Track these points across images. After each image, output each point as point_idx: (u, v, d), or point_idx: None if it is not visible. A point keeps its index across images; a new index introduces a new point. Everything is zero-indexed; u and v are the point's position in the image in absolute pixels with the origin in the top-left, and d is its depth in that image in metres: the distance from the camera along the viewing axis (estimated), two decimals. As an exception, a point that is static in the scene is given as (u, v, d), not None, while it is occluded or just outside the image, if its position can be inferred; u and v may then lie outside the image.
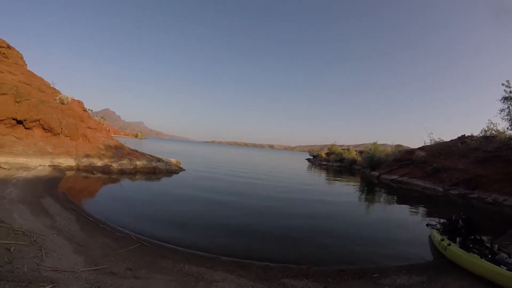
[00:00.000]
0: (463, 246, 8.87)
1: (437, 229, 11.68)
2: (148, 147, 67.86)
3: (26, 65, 26.83)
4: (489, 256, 7.86)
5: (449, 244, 9.43)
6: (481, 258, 7.88)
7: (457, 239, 9.34)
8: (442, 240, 10.09)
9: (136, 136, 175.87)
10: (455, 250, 8.95)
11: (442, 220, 11.85)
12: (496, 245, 8.41)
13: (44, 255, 6.35)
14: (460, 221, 9.72)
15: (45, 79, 27.11)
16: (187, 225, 11.43)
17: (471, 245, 8.70)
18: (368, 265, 8.78)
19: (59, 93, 26.27)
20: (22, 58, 26.79)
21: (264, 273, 7.48)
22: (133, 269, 6.58)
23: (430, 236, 12.27)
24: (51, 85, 27.06)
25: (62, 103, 25.01)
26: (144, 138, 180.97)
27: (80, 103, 27.73)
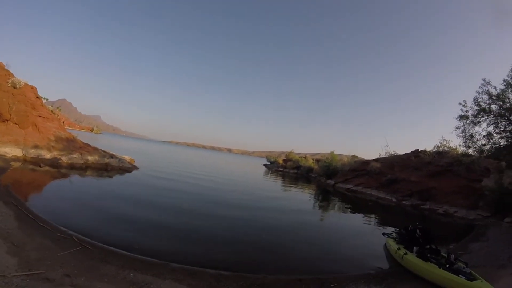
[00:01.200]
0: (420, 255, 9.08)
1: (393, 238, 12.03)
2: (103, 142, 65.30)
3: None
4: (447, 265, 8.16)
5: (405, 253, 9.65)
6: (439, 267, 8.12)
7: (414, 248, 9.54)
8: (399, 249, 10.31)
9: (92, 130, 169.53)
10: (412, 259, 9.15)
11: (398, 230, 12.15)
12: (453, 255, 8.78)
13: (-30, 256, 5.75)
14: (417, 231, 10.04)
15: (-1, 60, 25.32)
16: (136, 228, 10.80)
17: (428, 255, 8.96)
18: (326, 275, 8.69)
19: (13, 76, 24.52)
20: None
21: (216, 282, 7.19)
22: (71, 276, 6.04)
23: (385, 244, 12.53)
24: (5, 67, 25.28)
25: (14, 87, 23.34)
26: (100, 133, 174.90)
27: (33, 88, 26.00)
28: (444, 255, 9.17)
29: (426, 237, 9.93)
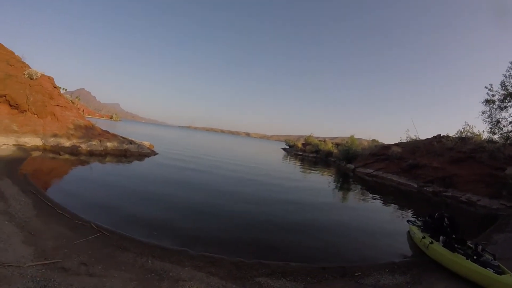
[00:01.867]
0: (447, 245, 8.58)
1: (418, 226, 11.42)
2: (122, 129, 66.09)
3: (-6, 36, 25.20)
4: (475, 257, 7.63)
5: (431, 242, 9.18)
6: (467, 259, 7.65)
7: (441, 237, 9.07)
8: (424, 237, 9.83)
9: (111, 118, 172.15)
10: (438, 249, 8.68)
11: (422, 217, 11.50)
12: (480, 246, 8.19)
13: (-14, 245, 5.62)
14: (445, 219, 9.48)
15: (16, 53, 25.52)
16: (155, 214, 10.63)
17: (455, 245, 8.44)
18: (350, 263, 8.34)
19: (29, 67, 24.70)
20: (-11, 28, 25.13)
21: (237, 270, 6.92)
22: (88, 264, 5.86)
23: (409, 232, 12.02)
24: (22, 59, 25.48)
25: (31, 78, 23.49)
26: (119, 120, 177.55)
27: (50, 79, 26.18)
28: (471, 245, 8.63)
29: (453, 226, 9.41)
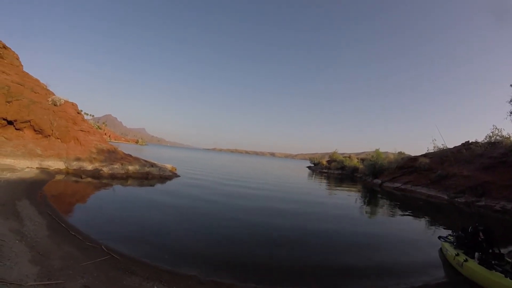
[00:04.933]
0: (483, 262, 7.86)
1: (450, 242, 10.60)
2: (147, 153, 67.16)
3: (22, 66, 26.33)
4: None
5: (465, 260, 8.45)
6: (506, 276, 6.88)
7: (476, 254, 8.31)
8: (457, 254, 9.08)
9: (137, 142, 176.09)
10: (474, 267, 7.97)
11: (455, 232, 10.71)
12: None
13: (-6, 263, 5.48)
14: (480, 233, 8.71)
15: (41, 81, 26.66)
16: (169, 238, 10.33)
17: (492, 261, 7.71)
18: (378, 285, 7.77)
19: (53, 94, 25.64)
20: (18, 59, 26.32)
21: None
22: (91, 287, 5.61)
23: (441, 249, 11.24)
24: (46, 87, 26.51)
25: (55, 105, 24.35)
26: (145, 145, 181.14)
27: (74, 105, 27.06)
28: (510, 260, 7.86)
29: (489, 240, 8.57)
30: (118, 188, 19.16)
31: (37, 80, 25.88)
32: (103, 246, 8.12)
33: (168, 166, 30.48)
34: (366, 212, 21.07)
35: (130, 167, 24.59)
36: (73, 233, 8.89)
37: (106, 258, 7.37)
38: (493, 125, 33.69)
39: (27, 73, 25.66)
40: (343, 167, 68.19)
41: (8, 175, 16.10)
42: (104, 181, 20.67)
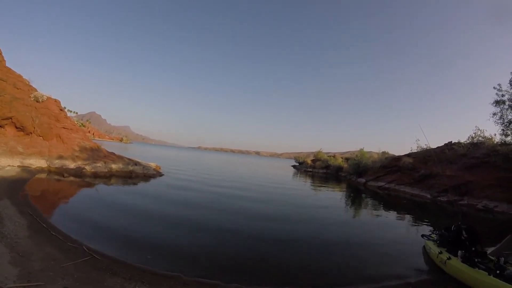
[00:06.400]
0: (466, 260, 8.04)
1: (434, 240, 10.82)
2: (132, 151, 66.53)
3: (4, 61, 25.72)
4: (497, 271, 7.03)
5: (449, 258, 8.62)
6: (489, 274, 7.04)
7: (459, 252, 8.47)
8: (440, 253, 9.27)
9: (121, 140, 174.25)
10: (457, 265, 8.15)
11: (438, 230, 10.90)
12: (503, 258, 7.56)
13: (-29, 265, 5.44)
14: (463, 232, 8.83)
15: (24, 77, 26.13)
16: (152, 237, 10.28)
17: (475, 259, 7.89)
18: (358, 285, 7.80)
19: (36, 90, 25.15)
20: (0, 53, 25.72)
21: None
22: (72, 289, 5.63)
23: (424, 247, 11.44)
24: (29, 83, 26.00)
25: (37, 101, 23.89)
26: (130, 143, 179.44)
27: (56, 102, 26.59)
28: (492, 258, 8.07)
29: (472, 238, 8.71)
30: (101, 187, 18.94)
31: (19, 76, 25.33)
32: (84, 247, 8.07)
33: (152, 164, 30.28)
34: (350, 211, 21.39)
35: (114, 166, 24.37)
36: (54, 234, 8.80)
37: (87, 258, 7.34)
38: (476, 126, 34.53)
39: (10, 69, 25.08)
40: (327, 166, 68.62)
41: (-12, 174, 15.85)
42: (87, 179, 20.42)
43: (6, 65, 25.26)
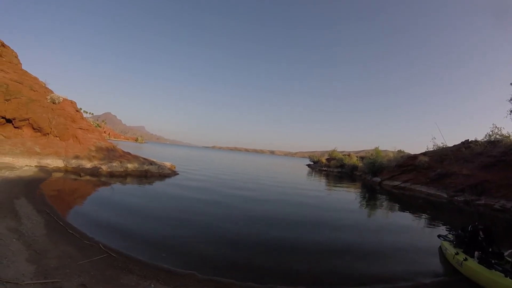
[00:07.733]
0: (482, 261, 7.79)
1: (450, 241, 10.51)
2: (147, 151, 67.17)
3: (20, 64, 26.26)
4: None
5: (465, 259, 8.37)
6: (506, 276, 6.81)
7: (476, 253, 8.24)
8: (457, 253, 9.00)
9: (136, 140, 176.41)
10: (473, 267, 7.90)
11: (454, 231, 10.63)
12: None
13: (-10, 262, 5.47)
14: (480, 232, 8.63)
15: (40, 79, 26.64)
16: (168, 235, 10.27)
17: (492, 260, 7.65)
18: (373, 286, 7.65)
19: (52, 92, 25.59)
20: (16, 57, 26.24)
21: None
22: (88, 286, 5.57)
23: (440, 248, 11.17)
24: (45, 85, 26.48)
25: (54, 103, 24.33)
26: (144, 142, 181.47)
27: (72, 103, 27.04)
28: (510, 259, 7.83)
29: (489, 239, 8.49)
30: (116, 186, 19.11)
31: (35, 78, 25.84)
32: (100, 245, 8.11)
33: (167, 164, 30.46)
34: (365, 210, 21.07)
35: (129, 165, 24.58)
36: (70, 232, 8.88)
37: (103, 256, 7.36)
38: (493, 124, 33.72)
39: (26, 71, 25.63)
40: (342, 165, 67.97)
41: (6, 174, 16.11)
42: (103, 179, 20.64)
43: (22, 67, 25.80)
